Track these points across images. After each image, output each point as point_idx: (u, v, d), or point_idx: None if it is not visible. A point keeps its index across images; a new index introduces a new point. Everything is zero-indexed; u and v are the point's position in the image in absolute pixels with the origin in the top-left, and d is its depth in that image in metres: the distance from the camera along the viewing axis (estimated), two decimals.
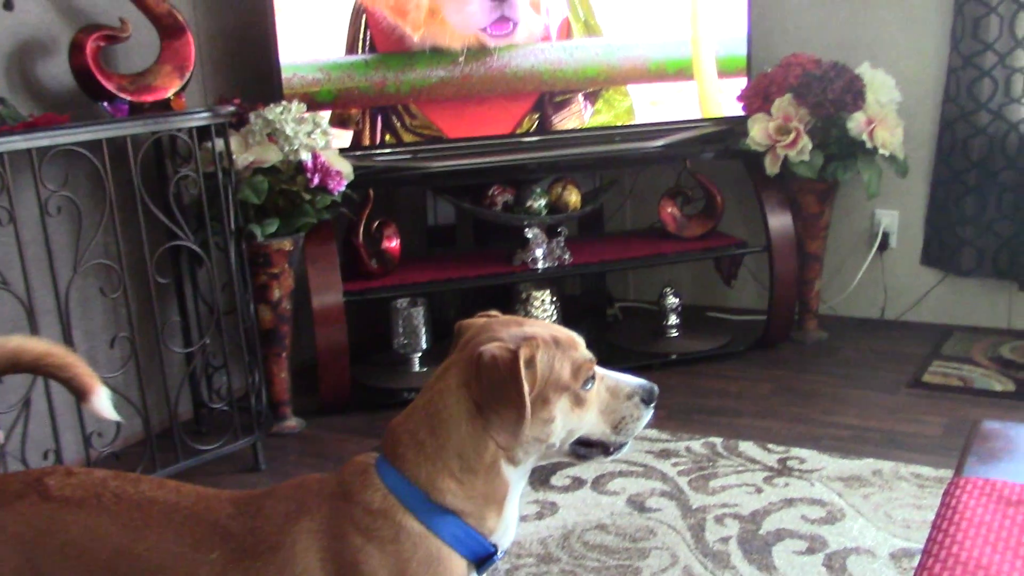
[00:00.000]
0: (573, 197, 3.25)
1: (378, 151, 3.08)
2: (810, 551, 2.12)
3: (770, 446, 2.62)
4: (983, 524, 1.19)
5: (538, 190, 3.20)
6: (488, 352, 1.18)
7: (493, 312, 1.37)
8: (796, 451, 2.58)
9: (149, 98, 2.56)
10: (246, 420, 2.66)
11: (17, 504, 1.21)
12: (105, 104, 2.53)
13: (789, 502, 2.33)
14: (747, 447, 2.62)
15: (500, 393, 1.17)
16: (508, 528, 1.24)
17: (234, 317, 2.69)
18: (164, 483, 1.27)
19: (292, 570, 1.13)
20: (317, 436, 2.89)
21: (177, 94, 2.61)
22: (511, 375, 1.17)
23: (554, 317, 3.26)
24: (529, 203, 3.18)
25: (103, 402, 1.33)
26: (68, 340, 2.22)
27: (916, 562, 1.22)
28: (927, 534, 1.27)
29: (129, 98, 2.52)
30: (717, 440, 2.67)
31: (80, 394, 1.33)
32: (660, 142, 3.27)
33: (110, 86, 2.49)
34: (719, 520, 2.27)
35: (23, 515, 1.20)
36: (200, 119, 2.49)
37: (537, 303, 3.25)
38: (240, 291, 2.65)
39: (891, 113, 3.18)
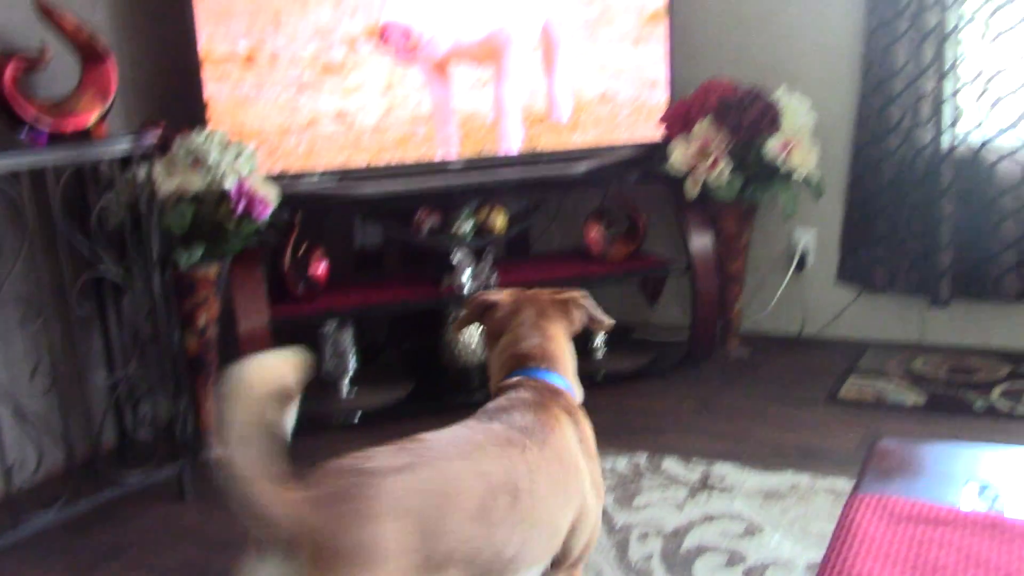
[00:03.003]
0: (499, 220, 3.30)
1: (304, 176, 3.09)
2: (730, 564, 2.18)
3: (693, 463, 2.68)
4: (876, 540, 1.25)
5: (465, 213, 3.24)
6: (574, 299, 1.84)
7: (506, 291, 1.88)
8: (718, 467, 2.65)
9: (70, 126, 2.54)
10: (172, 449, 2.64)
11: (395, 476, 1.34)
12: (23, 133, 2.50)
13: (710, 518, 2.39)
14: (670, 464, 2.68)
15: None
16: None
17: (159, 345, 2.67)
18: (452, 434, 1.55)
19: (566, 437, 1.61)
20: None
21: (99, 121, 2.60)
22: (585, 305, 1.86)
23: (480, 341, 3.29)
24: (456, 227, 3.22)
25: None
26: None
27: None
28: None
29: (49, 126, 2.49)
30: (641, 458, 2.73)
31: None
32: (583, 166, 3.33)
33: (29, 114, 2.46)
34: (642, 537, 2.31)
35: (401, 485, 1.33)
36: (123, 147, 2.48)
37: None
38: (164, 319, 2.64)
39: (806, 136, 3.29)
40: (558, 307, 1.83)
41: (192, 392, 2.80)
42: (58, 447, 2.42)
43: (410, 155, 3.19)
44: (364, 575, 1.24)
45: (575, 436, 1.65)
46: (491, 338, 1.85)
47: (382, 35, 2.99)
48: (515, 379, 1.71)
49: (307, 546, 1.24)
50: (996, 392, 3.07)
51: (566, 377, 1.75)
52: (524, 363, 1.74)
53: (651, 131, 3.42)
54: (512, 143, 3.30)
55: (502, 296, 1.84)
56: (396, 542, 1.28)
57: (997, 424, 2.87)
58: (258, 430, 1.26)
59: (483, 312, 1.86)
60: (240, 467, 1.24)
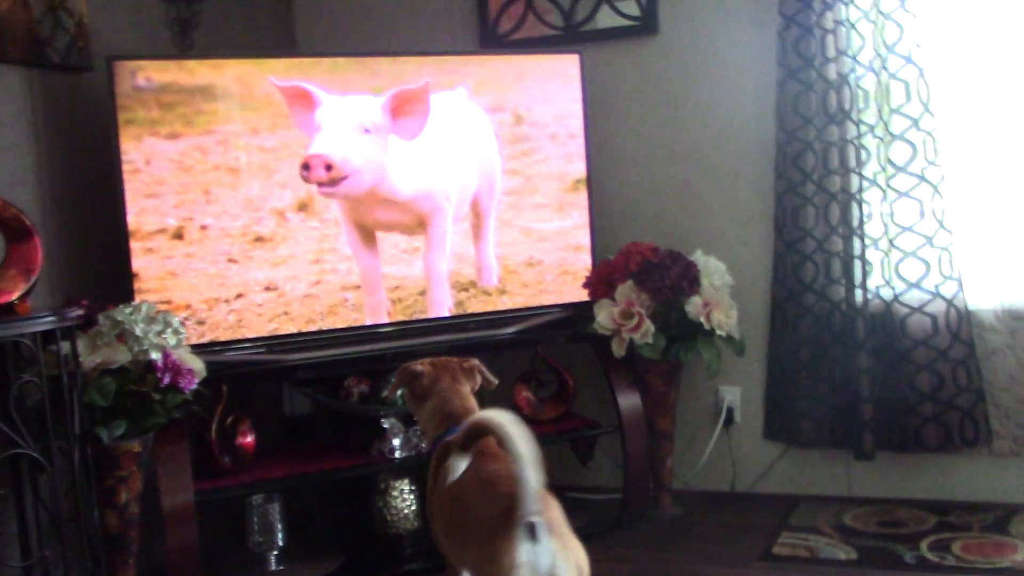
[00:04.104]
0: None
1: (231, 345, 3.08)
2: None
3: None
4: None
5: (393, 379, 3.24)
6: (476, 366, 2.44)
7: (426, 361, 2.42)
8: None
9: None
10: None
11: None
12: None
13: None
14: None
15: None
16: None
17: (76, 525, 2.58)
18: None
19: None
20: None
21: (22, 298, 2.58)
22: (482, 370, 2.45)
23: (413, 507, 3.24)
24: (385, 393, 3.21)
25: None
26: None
27: None
28: None
29: None
30: None
31: None
32: (512, 329, 3.38)
33: None
34: None
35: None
36: (45, 323, 2.46)
37: (396, 492, 3.23)
38: (84, 496, 2.56)
39: (725, 296, 3.40)
40: (465, 372, 2.40)
41: (111, 573, 2.69)
42: None
43: (340, 322, 3.21)
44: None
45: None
46: (418, 399, 2.39)
47: (305, 166, 3.05)
48: (454, 436, 2.11)
49: (556, 525, 1.83)
50: (924, 544, 3.10)
51: None
52: (455, 421, 2.24)
53: (577, 292, 3.51)
54: (442, 308, 3.35)
55: (425, 367, 2.38)
56: None
57: None
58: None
59: (411, 380, 2.38)
60: (537, 480, 1.76)
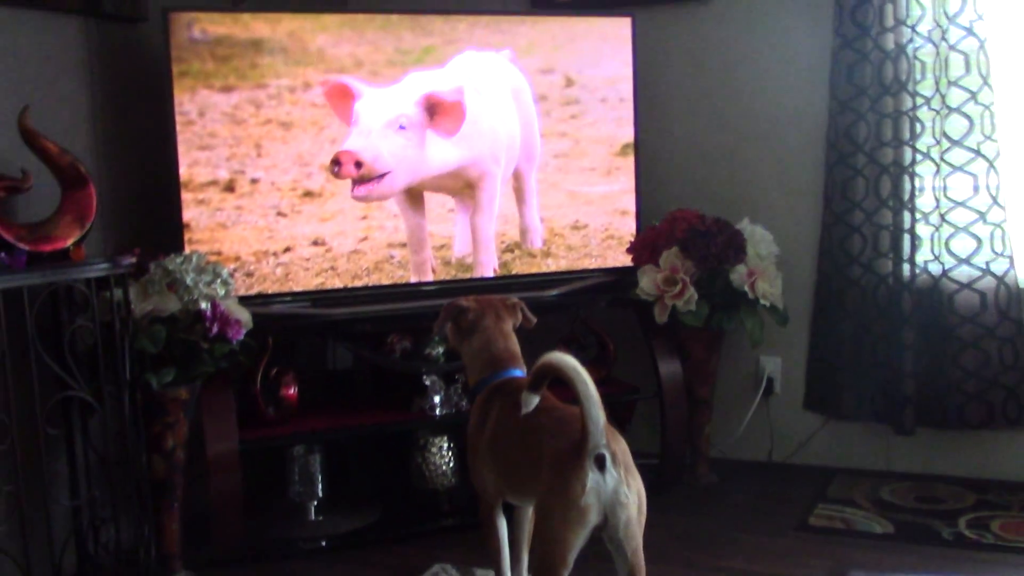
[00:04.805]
0: None
1: (278, 299, 3.12)
2: None
3: None
4: None
5: (437, 338, 3.27)
6: (518, 303, 2.56)
7: (471, 297, 2.53)
8: None
9: (48, 248, 2.56)
10: (133, 574, 2.59)
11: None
12: (3, 254, 2.52)
13: None
14: None
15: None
16: None
17: (124, 468, 2.64)
18: None
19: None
20: None
21: (77, 244, 2.63)
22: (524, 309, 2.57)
23: (451, 464, 3.28)
24: (428, 351, 3.24)
25: None
26: None
27: None
28: None
29: (28, 248, 2.52)
30: None
31: None
32: (555, 291, 3.39)
33: (9, 236, 2.49)
34: None
35: None
36: (99, 270, 2.51)
37: (435, 449, 3.27)
38: (133, 441, 2.62)
39: (770, 266, 3.38)
40: (506, 309, 2.50)
41: (157, 517, 2.76)
42: (17, 572, 2.36)
43: (385, 279, 3.24)
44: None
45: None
46: (463, 334, 2.49)
47: (335, 162, 3.05)
48: (499, 381, 2.37)
49: (622, 457, 1.99)
50: (962, 521, 3.09)
51: (523, 369, 2.42)
52: (500, 366, 2.41)
53: (621, 257, 3.50)
54: (487, 268, 3.37)
55: (471, 303, 2.48)
56: None
57: (965, 553, 2.87)
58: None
59: (457, 315, 2.48)
60: (603, 416, 1.94)
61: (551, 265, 3.45)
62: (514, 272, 3.40)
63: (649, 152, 3.62)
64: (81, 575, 2.82)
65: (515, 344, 2.49)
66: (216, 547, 2.91)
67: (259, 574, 2.90)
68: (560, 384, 1.98)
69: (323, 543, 3.08)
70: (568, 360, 1.95)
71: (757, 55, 3.67)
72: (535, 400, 2.06)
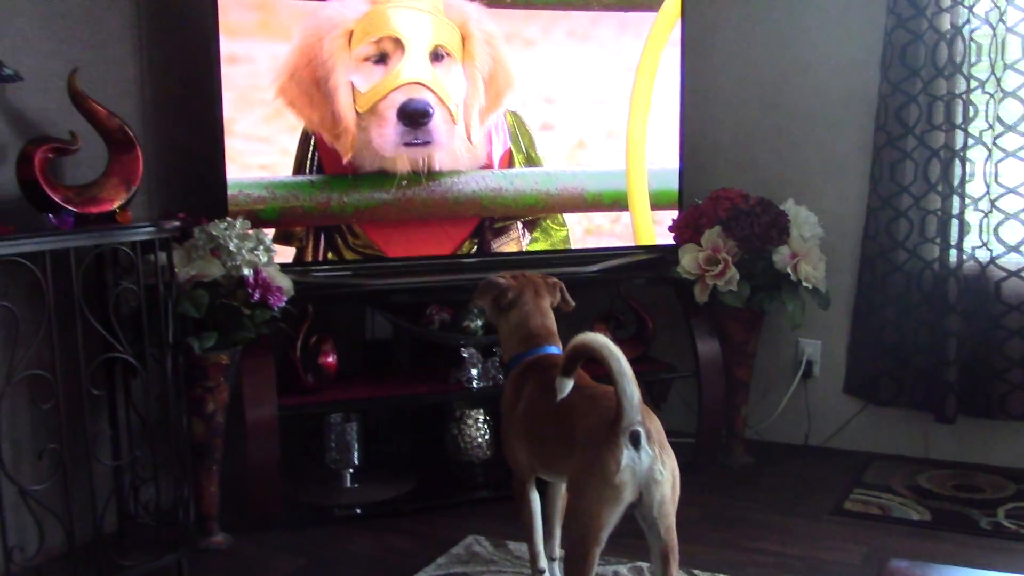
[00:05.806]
0: None
1: (319, 267, 3.13)
2: None
3: (696, 572, 2.65)
4: None
5: (475, 310, 3.27)
6: (557, 282, 2.52)
7: (508, 274, 2.50)
8: None
9: (95, 210, 2.59)
10: (172, 534, 2.63)
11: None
12: (50, 215, 2.55)
13: None
14: None
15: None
16: None
17: (165, 430, 2.68)
18: None
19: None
20: (243, 552, 2.86)
21: (123, 207, 2.65)
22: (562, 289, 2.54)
23: (487, 436, 3.29)
24: (466, 323, 3.24)
25: None
26: None
27: None
28: None
29: (75, 210, 2.54)
30: (644, 564, 2.70)
31: None
32: (595, 267, 3.38)
33: (56, 197, 2.52)
34: None
35: None
36: (145, 233, 2.53)
37: (470, 421, 3.28)
38: (174, 404, 2.65)
39: (814, 248, 3.34)
40: (546, 287, 2.48)
41: (196, 479, 2.80)
42: (59, 529, 2.40)
43: (425, 250, 3.24)
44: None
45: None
46: (501, 310, 2.46)
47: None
48: (534, 357, 2.36)
49: (656, 435, 1.98)
50: (1001, 511, 3.05)
51: (559, 346, 2.38)
52: (536, 343, 2.39)
53: (663, 235, 3.48)
54: (526, 241, 3.36)
55: (509, 280, 2.46)
56: None
57: (1003, 543, 2.84)
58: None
59: (496, 294, 2.45)
60: (638, 394, 1.94)
61: (592, 241, 3.44)
62: (555, 248, 3.39)
63: (693, 129, 3.58)
64: (121, 534, 2.87)
65: (552, 321, 2.46)
66: (253, 511, 2.94)
67: (294, 539, 2.93)
68: (594, 361, 1.97)
69: (358, 511, 3.11)
70: (599, 338, 1.94)
71: (808, 32, 3.61)
72: (570, 384, 2.04)
